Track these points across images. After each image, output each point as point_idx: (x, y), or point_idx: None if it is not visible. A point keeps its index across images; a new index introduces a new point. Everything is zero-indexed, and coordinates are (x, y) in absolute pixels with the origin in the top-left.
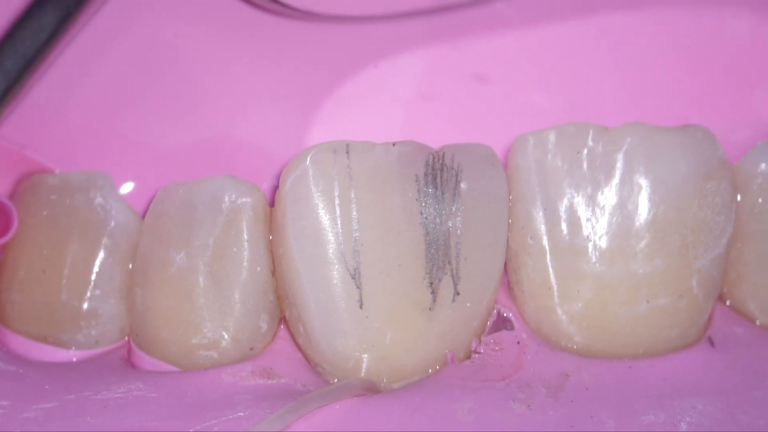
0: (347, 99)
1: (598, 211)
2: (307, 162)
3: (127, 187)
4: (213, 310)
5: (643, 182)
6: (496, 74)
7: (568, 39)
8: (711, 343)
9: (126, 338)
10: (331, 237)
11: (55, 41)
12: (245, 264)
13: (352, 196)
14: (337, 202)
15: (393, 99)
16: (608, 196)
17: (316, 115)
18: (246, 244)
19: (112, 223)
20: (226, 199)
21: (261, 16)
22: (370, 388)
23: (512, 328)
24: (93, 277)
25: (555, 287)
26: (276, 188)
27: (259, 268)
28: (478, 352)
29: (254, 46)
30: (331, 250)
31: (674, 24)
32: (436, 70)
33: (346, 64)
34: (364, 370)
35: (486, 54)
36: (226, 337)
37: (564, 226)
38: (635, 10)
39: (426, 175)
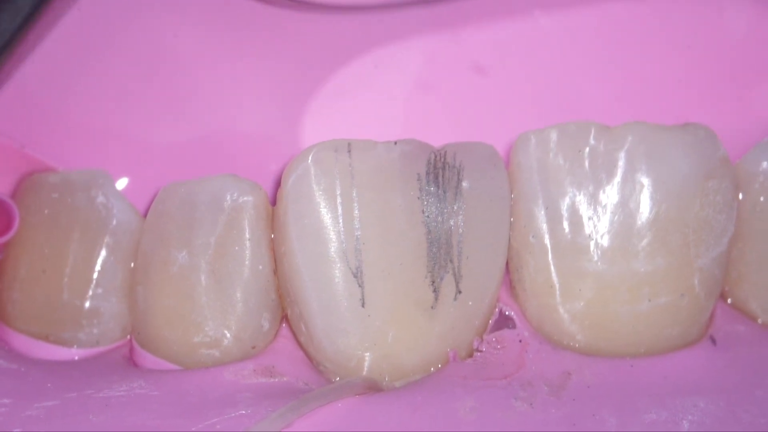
0: (346, 92)
1: (599, 209)
2: (309, 161)
3: (127, 186)
4: (215, 309)
5: (645, 181)
6: (495, 66)
7: (567, 33)
8: (712, 341)
9: (128, 337)
10: (332, 235)
11: (31, 23)
12: (247, 263)
13: (354, 194)
14: (338, 200)
15: (392, 91)
16: (610, 195)
17: (316, 110)
18: (248, 243)
19: (114, 222)
20: (228, 197)
21: (260, 9)
22: (372, 387)
23: (514, 326)
24: (95, 275)
25: (557, 286)
26: (277, 186)
27: (260, 267)
28: (480, 351)
29: (253, 42)
30: (332, 249)
31: (675, 23)
32: (435, 61)
33: (345, 56)
34: (366, 369)
35: (486, 45)
36: (228, 335)
37: (566, 224)
38: (636, 7)
39: (428, 173)
